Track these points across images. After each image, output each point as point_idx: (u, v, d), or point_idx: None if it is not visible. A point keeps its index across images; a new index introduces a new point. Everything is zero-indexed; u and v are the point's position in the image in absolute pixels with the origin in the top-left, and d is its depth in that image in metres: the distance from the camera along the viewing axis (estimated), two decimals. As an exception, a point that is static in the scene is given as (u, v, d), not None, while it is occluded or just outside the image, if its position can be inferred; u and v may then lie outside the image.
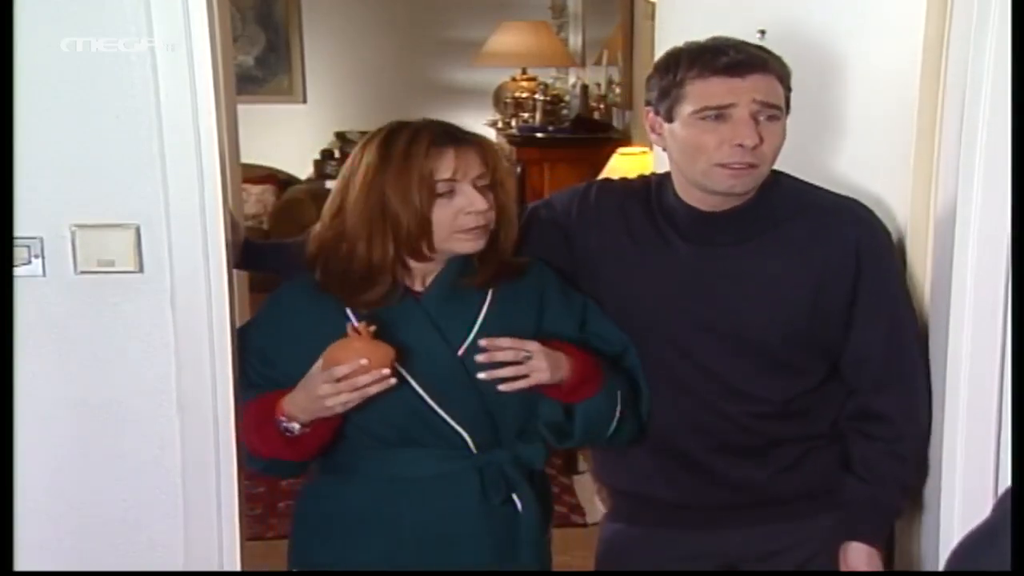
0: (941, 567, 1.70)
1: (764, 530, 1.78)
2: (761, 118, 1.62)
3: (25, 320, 1.84)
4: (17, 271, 1.81)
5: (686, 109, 1.64)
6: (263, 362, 1.71)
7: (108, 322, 1.86)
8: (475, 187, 1.61)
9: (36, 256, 1.82)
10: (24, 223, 1.81)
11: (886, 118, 1.82)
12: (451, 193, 1.60)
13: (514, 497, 1.67)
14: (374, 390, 1.51)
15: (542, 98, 5.27)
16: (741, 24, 2.03)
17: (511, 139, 5.09)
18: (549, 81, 5.69)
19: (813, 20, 1.96)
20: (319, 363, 1.54)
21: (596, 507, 3.33)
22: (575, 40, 5.76)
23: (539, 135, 4.99)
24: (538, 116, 5.21)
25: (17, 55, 1.75)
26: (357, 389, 1.50)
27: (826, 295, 1.69)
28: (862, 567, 1.72)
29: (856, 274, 1.68)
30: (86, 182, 1.82)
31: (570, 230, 1.79)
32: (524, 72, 5.57)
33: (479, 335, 1.62)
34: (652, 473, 1.80)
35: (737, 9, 2.07)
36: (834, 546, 1.75)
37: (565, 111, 5.32)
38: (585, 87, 5.23)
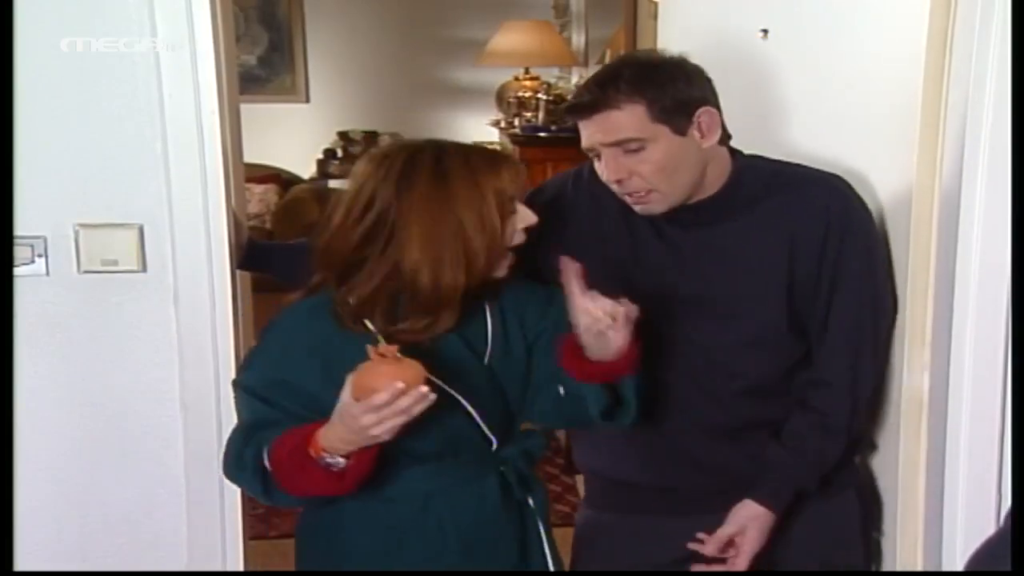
0: (943, 568, 1.70)
1: None
2: (624, 152, 1.65)
3: (28, 319, 1.84)
4: (20, 270, 1.81)
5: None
6: (287, 395, 1.55)
7: (111, 321, 1.86)
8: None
9: (39, 255, 1.83)
10: (27, 222, 1.81)
11: (888, 116, 1.82)
12: (513, 211, 1.57)
13: (528, 498, 1.67)
14: (417, 410, 1.43)
15: (545, 97, 5.25)
16: (742, 23, 2.03)
17: (514, 138, 5.08)
18: (552, 80, 5.67)
19: (814, 19, 1.96)
20: (346, 392, 1.44)
21: (599, 506, 3.32)
22: (578, 39, 5.76)
23: (542, 134, 4.98)
24: (541, 116, 5.19)
25: (17, 55, 1.75)
26: (400, 413, 1.42)
27: (799, 264, 1.71)
28: (740, 521, 1.72)
29: (824, 240, 1.70)
30: (90, 182, 1.82)
31: (565, 211, 1.82)
32: (527, 71, 5.56)
33: (494, 344, 1.62)
34: (629, 456, 1.82)
35: (738, 8, 2.08)
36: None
37: (568, 110, 5.31)
38: (588, 86, 5.23)
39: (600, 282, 1.76)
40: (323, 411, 1.49)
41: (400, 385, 1.39)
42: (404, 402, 1.40)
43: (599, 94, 1.64)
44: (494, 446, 1.63)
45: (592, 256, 1.78)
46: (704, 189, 1.72)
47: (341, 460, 1.46)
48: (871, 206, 1.81)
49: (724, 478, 1.78)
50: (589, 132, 1.66)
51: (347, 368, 1.46)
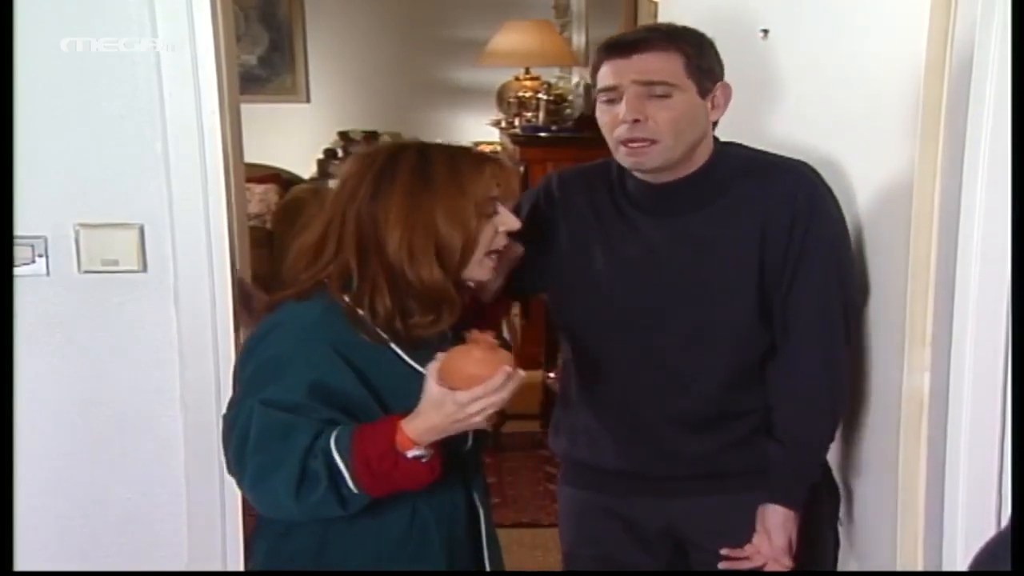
0: (943, 568, 1.70)
1: (711, 500, 1.83)
2: (648, 96, 1.69)
3: (28, 319, 1.84)
4: (21, 270, 1.81)
5: (597, 93, 1.77)
6: (325, 400, 1.48)
7: (111, 321, 1.86)
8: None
9: (40, 255, 1.83)
10: (28, 222, 1.81)
11: (888, 116, 1.82)
12: (494, 212, 1.57)
13: (476, 495, 1.68)
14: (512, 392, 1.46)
15: (545, 97, 5.26)
16: (743, 23, 2.04)
17: (514, 138, 5.08)
18: (552, 80, 5.67)
19: (814, 19, 1.96)
20: (434, 386, 1.44)
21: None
22: (578, 39, 5.75)
23: (542, 134, 4.99)
24: (541, 116, 5.20)
25: (17, 55, 1.75)
26: (506, 397, 1.44)
27: (769, 250, 1.74)
28: (777, 529, 1.78)
29: (791, 226, 1.73)
30: (90, 182, 1.82)
31: (541, 222, 1.84)
32: (527, 71, 5.56)
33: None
34: (608, 444, 1.84)
35: (739, 8, 2.08)
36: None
37: (568, 110, 5.31)
38: (588, 86, 5.23)
39: (576, 283, 1.81)
40: (358, 415, 1.48)
41: (508, 369, 1.43)
42: (511, 385, 1.43)
43: (646, 35, 1.73)
44: (468, 444, 1.62)
45: (570, 261, 1.82)
46: (691, 163, 1.75)
47: (431, 452, 1.47)
48: (870, 205, 1.81)
49: (702, 466, 1.81)
50: (619, 70, 1.70)
51: (380, 375, 1.49)
